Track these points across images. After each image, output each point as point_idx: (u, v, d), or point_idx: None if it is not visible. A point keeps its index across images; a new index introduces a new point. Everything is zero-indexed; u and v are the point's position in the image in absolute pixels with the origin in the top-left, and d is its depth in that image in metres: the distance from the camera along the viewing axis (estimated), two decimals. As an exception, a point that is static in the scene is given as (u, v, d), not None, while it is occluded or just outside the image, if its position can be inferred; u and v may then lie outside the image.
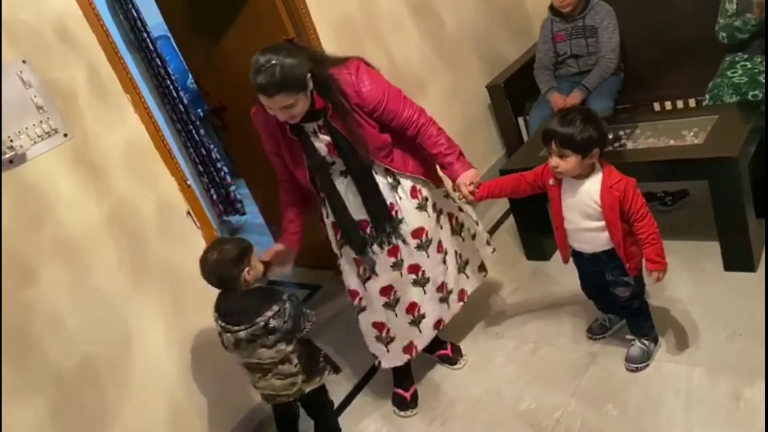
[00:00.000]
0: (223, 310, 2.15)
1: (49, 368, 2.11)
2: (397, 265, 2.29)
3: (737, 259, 2.54)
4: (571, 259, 2.34)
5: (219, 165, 4.80)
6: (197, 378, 2.51)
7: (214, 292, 2.59)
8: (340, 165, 2.19)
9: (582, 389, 2.30)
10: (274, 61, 1.91)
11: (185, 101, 4.68)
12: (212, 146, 4.79)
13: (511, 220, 3.38)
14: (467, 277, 2.57)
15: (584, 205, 2.10)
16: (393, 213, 2.24)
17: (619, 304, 2.29)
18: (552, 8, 3.52)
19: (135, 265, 2.35)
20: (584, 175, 2.08)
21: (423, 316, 2.38)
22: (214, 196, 4.83)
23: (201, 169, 4.78)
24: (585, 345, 2.49)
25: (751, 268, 2.52)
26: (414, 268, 2.32)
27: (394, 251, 2.27)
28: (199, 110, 5.07)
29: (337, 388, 2.75)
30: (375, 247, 2.26)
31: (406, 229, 2.26)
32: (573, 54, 3.51)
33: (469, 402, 2.44)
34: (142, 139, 2.39)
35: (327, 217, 2.34)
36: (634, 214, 2.04)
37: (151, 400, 2.37)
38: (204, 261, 2.13)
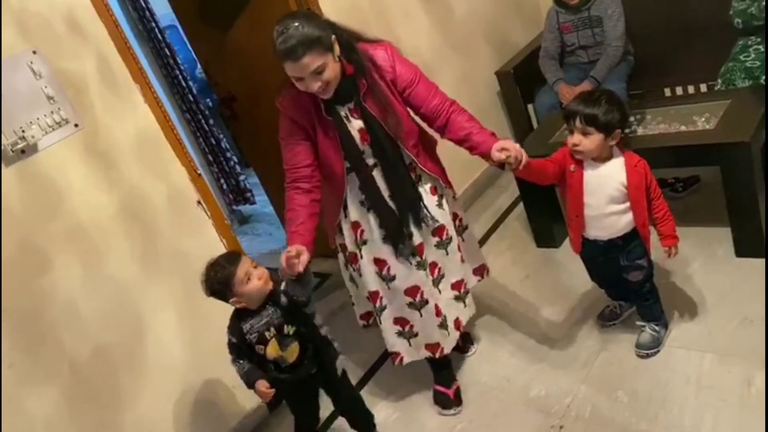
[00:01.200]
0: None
1: (63, 356, 2.14)
2: (421, 265, 2.21)
3: (749, 245, 2.52)
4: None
5: (228, 154, 4.80)
6: (210, 366, 2.53)
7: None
8: (369, 155, 2.10)
9: (592, 376, 2.30)
10: (295, 23, 1.84)
11: (194, 91, 4.69)
12: (221, 136, 4.80)
13: (520, 207, 3.38)
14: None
15: (610, 188, 2.10)
16: (424, 205, 2.19)
17: (631, 289, 2.29)
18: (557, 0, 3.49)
19: (147, 253, 2.37)
20: (605, 157, 2.09)
21: (446, 318, 2.31)
22: (224, 186, 4.85)
23: (211, 158, 4.79)
24: (595, 332, 2.49)
25: (762, 254, 2.50)
26: (432, 267, 2.26)
27: (419, 249, 2.20)
28: (208, 100, 5.08)
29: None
30: (416, 236, 2.18)
31: (432, 225, 2.21)
32: (581, 45, 3.50)
33: (479, 389, 2.45)
34: (152, 128, 2.40)
35: (346, 216, 2.20)
36: (652, 192, 2.10)
37: (165, 388, 2.40)
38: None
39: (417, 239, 2.19)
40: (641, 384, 2.19)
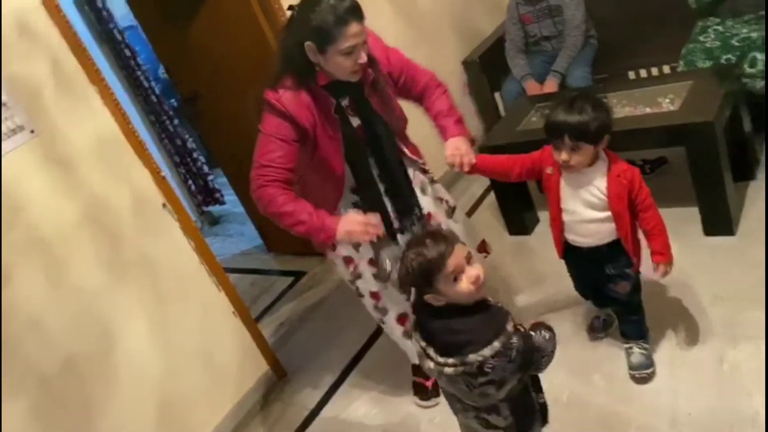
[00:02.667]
0: (424, 328, 1.52)
1: (30, 369, 2.09)
2: None
3: (717, 224, 2.55)
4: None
5: (195, 155, 4.74)
6: (184, 371, 2.49)
7: (196, 284, 2.59)
8: (368, 154, 2.03)
9: (569, 360, 2.30)
10: None
11: (157, 92, 4.61)
12: (187, 136, 4.73)
13: (491, 197, 3.38)
14: None
15: (588, 195, 1.94)
16: (418, 203, 2.14)
17: (617, 301, 2.13)
18: None
19: (113, 260, 2.32)
20: (590, 163, 1.92)
21: None
22: (192, 187, 4.78)
23: (177, 159, 4.72)
24: (570, 317, 2.50)
25: (730, 232, 2.53)
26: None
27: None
28: (172, 100, 4.99)
29: (323, 373, 2.76)
30: (404, 235, 2.11)
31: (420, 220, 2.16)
32: (544, 36, 3.51)
33: (457, 379, 2.45)
34: (112, 132, 2.34)
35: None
36: (640, 204, 1.93)
37: (138, 396, 2.36)
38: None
39: (403, 240, 2.12)
40: (617, 367, 2.20)
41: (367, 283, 2.17)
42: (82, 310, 2.23)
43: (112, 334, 2.30)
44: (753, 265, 2.35)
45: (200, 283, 2.57)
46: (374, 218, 1.89)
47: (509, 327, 1.45)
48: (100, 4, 4.27)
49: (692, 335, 2.19)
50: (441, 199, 2.29)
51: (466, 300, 1.45)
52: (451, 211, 2.32)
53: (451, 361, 1.43)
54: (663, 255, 1.95)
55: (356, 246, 2.10)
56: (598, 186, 1.93)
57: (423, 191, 2.20)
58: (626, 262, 2.02)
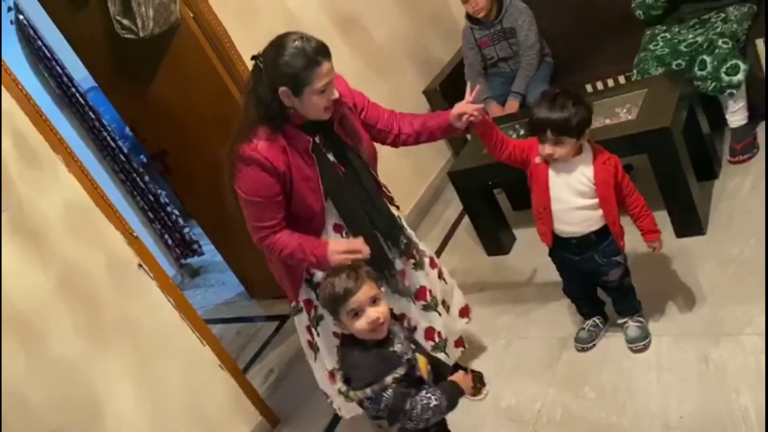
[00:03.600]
0: (340, 351, 1.71)
1: (16, 448, 2.04)
2: (403, 292, 2.13)
3: (686, 225, 2.60)
4: (549, 260, 2.30)
5: (169, 209, 4.73)
6: (174, 429, 2.45)
7: (179, 340, 2.56)
8: (348, 184, 2.05)
9: (558, 377, 2.32)
10: (301, 33, 1.82)
11: (125, 150, 4.61)
12: (159, 191, 4.72)
13: (466, 220, 3.40)
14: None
15: (577, 183, 2.05)
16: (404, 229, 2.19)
17: (611, 288, 2.26)
18: (468, 16, 3.56)
19: (93, 327, 2.29)
20: (575, 153, 2.04)
21: (446, 341, 2.25)
22: (169, 241, 4.76)
23: (151, 215, 4.70)
24: (555, 332, 2.51)
25: (700, 231, 2.58)
26: (422, 293, 2.20)
27: (401, 275, 2.14)
28: (141, 156, 4.99)
29: (317, 417, 2.73)
30: (397, 262, 2.12)
31: (408, 245, 2.16)
32: (501, 57, 3.58)
33: (451, 408, 2.44)
34: (80, 198, 2.33)
35: None
36: (625, 188, 2.06)
37: (130, 461, 2.31)
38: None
39: (398, 266, 2.14)
40: (605, 377, 2.22)
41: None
42: (65, 380, 2.19)
43: (97, 401, 2.26)
44: (726, 262, 2.39)
45: (183, 339, 2.55)
46: (358, 242, 1.91)
47: (389, 379, 1.55)
48: (59, 70, 4.28)
49: (675, 338, 2.22)
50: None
51: (364, 336, 1.59)
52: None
53: (344, 388, 1.59)
54: (654, 233, 2.12)
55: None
56: (585, 173, 2.04)
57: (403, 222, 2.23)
58: (614, 249, 2.14)
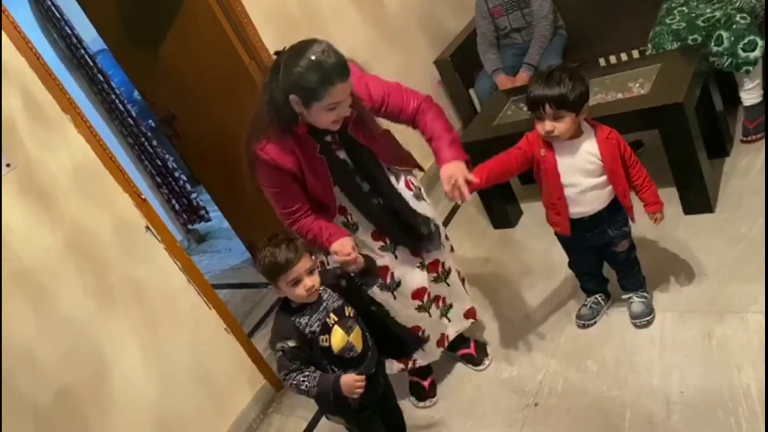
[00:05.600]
0: None
1: (24, 403, 2.08)
2: (423, 266, 2.19)
3: (695, 203, 2.59)
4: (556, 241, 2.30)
5: (177, 174, 4.73)
6: (180, 391, 2.49)
7: (186, 303, 2.59)
8: (360, 181, 2.06)
9: (560, 349, 2.33)
10: (324, 44, 1.75)
11: (134, 114, 4.60)
12: (167, 156, 4.71)
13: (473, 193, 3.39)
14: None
15: (585, 163, 2.04)
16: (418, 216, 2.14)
17: (618, 260, 2.27)
18: None
19: (100, 287, 2.31)
20: (576, 135, 2.02)
21: (450, 306, 2.31)
22: (176, 206, 4.76)
23: (159, 180, 4.71)
24: (559, 305, 2.52)
25: (709, 209, 2.57)
26: (434, 265, 2.23)
27: (417, 252, 2.17)
28: (149, 121, 4.98)
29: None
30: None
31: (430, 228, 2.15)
32: (514, 27, 3.54)
33: (452, 377, 2.46)
34: (88, 159, 2.34)
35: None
36: (629, 160, 2.06)
37: (135, 420, 2.35)
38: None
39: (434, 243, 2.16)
40: (608, 351, 2.23)
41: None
42: (72, 339, 2.22)
43: (104, 361, 2.29)
44: (734, 240, 2.38)
45: (190, 302, 2.57)
46: (339, 246, 1.92)
47: (278, 345, 1.75)
48: (69, 32, 4.25)
49: (679, 314, 2.22)
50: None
51: (301, 300, 1.78)
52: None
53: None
54: (656, 204, 2.11)
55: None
56: (591, 151, 2.03)
57: (418, 196, 2.19)
58: (624, 221, 2.16)
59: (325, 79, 1.74)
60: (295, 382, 1.73)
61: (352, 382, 1.75)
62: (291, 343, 1.74)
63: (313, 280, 1.77)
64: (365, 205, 2.08)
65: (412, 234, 2.12)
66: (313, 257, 1.86)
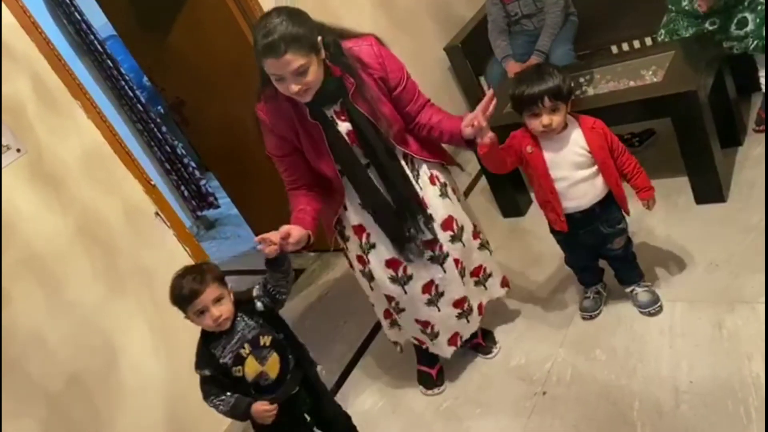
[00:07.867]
0: None
1: (35, 388, 2.10)
2: (435, 259, 2.12)
3: (707, 192, 2.56)
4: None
5: (186, 161, 4.73)
6: (188, 377, 2.48)
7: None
8: (360, 156, 2.01)
9: (569, 338, 2.33)
10: (278, 19, 1.74)
11: (143, 100, 4.60)
12: (177, 142, 4.72)
13: (483, 181, 3.39)
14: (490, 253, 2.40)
15: (574, 155, 2.05)
16: (423, 205, 2.09)
17: (615, 257, 2.25)
18: None
19: (109, 273, 2.32)
20: (562, 128, 2.04)
21: (471, 309, 2.27)
22: (185, 193, 4.77)
23: (168, 166, 4.71)
24: (568, 295, 2.51)
25: (721, 198, 2.54)
26: (456, 262, 2.17)
27: (431, 245, 2.12)
28: (159, 107, 4.99)
29: (328, 369, 2.76)
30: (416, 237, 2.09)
31: (435, 223, 2.11)
32: (525, 14, 3.51)
33: (460, 365, 2.46)
34: (98, 144, 2.34)
35: (346, 219, 2.12)
36: (616, 149, 2.08)
37: (145, 405, 2.37)
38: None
39: (428, 235, 2.10)
40: (617, 340, 2.22)
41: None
42: (82, 324, 2.24)
43: (114, 346, 2.31)
44: (746, 230, 2.36)
45: (199, 288, 2.57)
46: (285, 231, 1.89)
47: (204, 372, 1.87)
48: (78, 17, 4.25)
49: (689, 304, 2.21)
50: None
51: (211, 329, 1.84)
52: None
53: None
54: (648, 190, 2.12)
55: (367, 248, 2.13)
56: (578, 143, 2.05)
57: (443, 194, 2.15)
58: (618, 217, 2.16)
59: (260, 53, 1.76)
60: (212, 405, 1.88)
61: (262, 410, 1.85)
62: (207, 372, 1.87)
63: (220, 310, 1.80)
64: (360, 179, 2.02)
65: (400, 228, 2.06)
66: (229, 286, 1.89)
